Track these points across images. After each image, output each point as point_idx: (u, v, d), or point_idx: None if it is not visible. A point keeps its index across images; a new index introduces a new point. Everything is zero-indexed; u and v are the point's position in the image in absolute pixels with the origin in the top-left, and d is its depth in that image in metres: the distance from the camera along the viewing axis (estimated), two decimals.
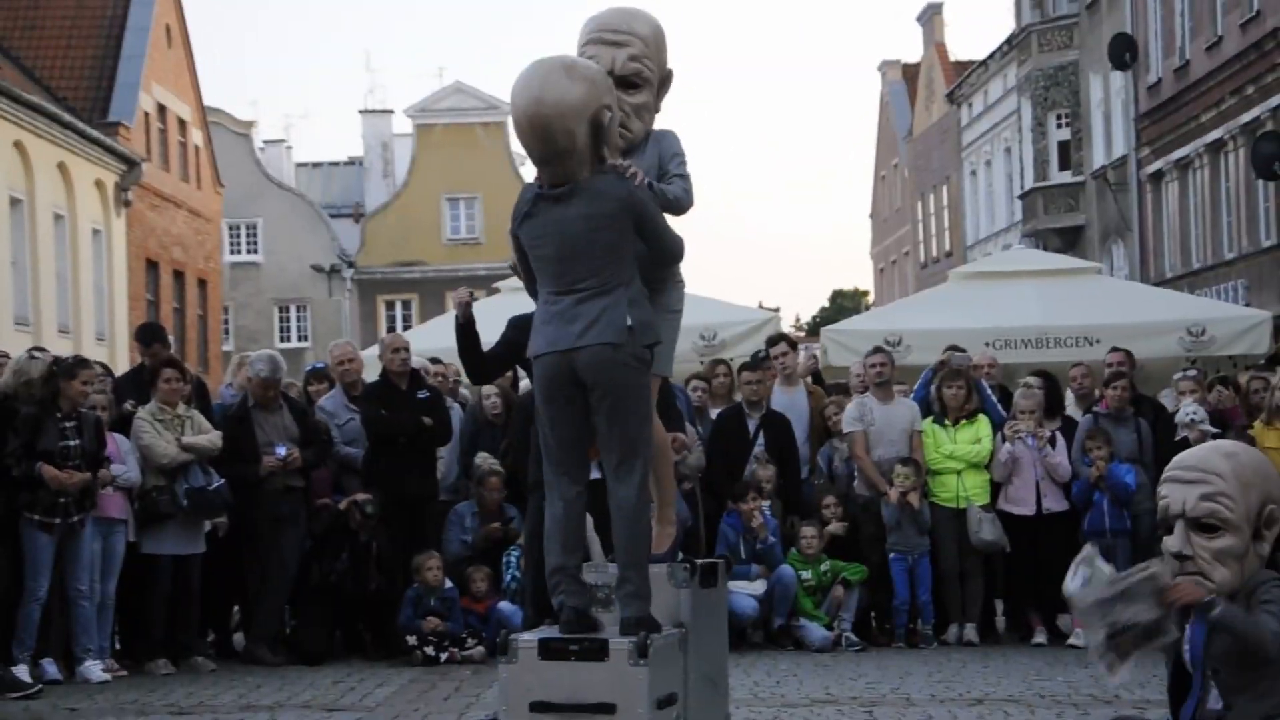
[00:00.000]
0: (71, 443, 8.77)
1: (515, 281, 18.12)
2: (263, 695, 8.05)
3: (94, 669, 8.79)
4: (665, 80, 5.61)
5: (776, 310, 14.05)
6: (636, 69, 5.49)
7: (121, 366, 20.77)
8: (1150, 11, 30.63)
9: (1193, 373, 11.14)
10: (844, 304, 63.92)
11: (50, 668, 8.71)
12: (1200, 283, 27.01)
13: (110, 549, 9.13)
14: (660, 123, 5.64)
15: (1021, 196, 36.64)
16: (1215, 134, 27.67)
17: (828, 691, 7.79)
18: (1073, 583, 5.19)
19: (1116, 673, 4.94)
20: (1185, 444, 9.97)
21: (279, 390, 9.88)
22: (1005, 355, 12.55)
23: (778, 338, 11.73)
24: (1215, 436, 9.57)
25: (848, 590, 10.13)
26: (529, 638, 5.42)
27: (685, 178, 5.59)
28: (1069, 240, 33.82)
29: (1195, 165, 28.92)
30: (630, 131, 5.46)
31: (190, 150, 33.66)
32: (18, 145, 24.58)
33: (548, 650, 5.41)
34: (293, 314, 44.68)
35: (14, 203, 24.49)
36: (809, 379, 12.01)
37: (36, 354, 9.15)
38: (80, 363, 9.25)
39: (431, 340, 12.24)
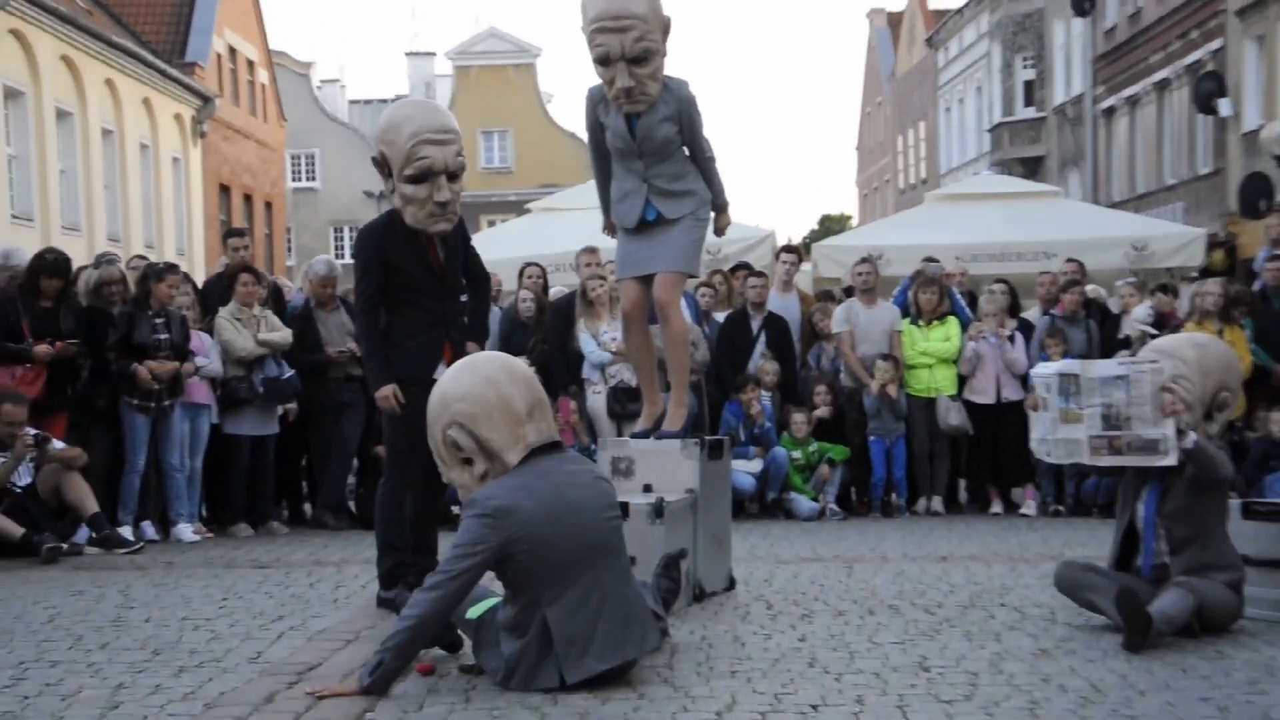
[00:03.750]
0: (162, 336, 8.91)
1: (544, 202, 18.06)
2: (330, 553, 8.22)
3: (186, 530, 8.99)
4: (667, 28, 5.74)
5: (771, 232, 14.12)
6: (644, 47, 5.66)
7: (198, 278, 20.83)
8: None
9: (1132, 280, 11.28)
10: (831, 227, 63.46)
11: (149, 529, 8.91)
12: (1145, 205, 26.90)
13: (197, 429, 9.29)
14: (671, 61, 5.79)
15: (990, 130, 36.35)
16: (1162, 74, 27.41)
17: (815, 551, 7.93)
18: (1047, 366, 5.34)
19: (1099, 459, 5.09)
20: (1127, 342, 10.10)
21: (334, 290, 9.99)
22: (973, 267, 12.57)
23: (789, 248, 11.85)
24: (1152, 336, 9.66)
25: (832, 468, 10.26)
26: None
27: (707, 141, 5.95)
28: (1030, 169, 33.60)
29: (1143, 101, 28.67)
30: (649, 94, 5.69)
31: (257, 88, 33.46)
32: (109, 83, 24.48)
33: None
34: (346, 234, 44.55)
35: (105, 134, 24.45)
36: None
37: (137, 262, 9.27)
38: (169, 268, 9.39)
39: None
